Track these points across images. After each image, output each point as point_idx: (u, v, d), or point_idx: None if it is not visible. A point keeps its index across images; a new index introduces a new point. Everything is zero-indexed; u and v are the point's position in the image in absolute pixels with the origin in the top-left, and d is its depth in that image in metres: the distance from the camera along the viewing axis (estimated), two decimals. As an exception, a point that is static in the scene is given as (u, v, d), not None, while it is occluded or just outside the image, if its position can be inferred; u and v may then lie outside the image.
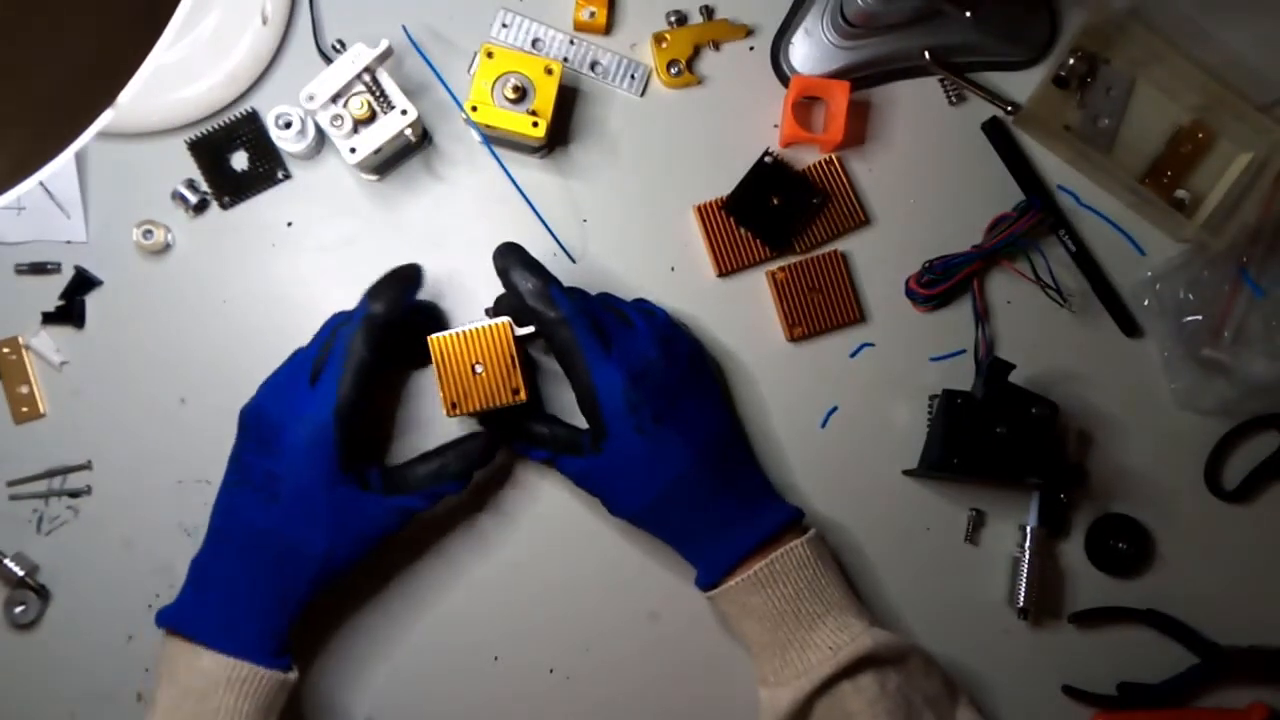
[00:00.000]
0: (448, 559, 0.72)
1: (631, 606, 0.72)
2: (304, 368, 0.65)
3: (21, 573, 0.70)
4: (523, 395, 0.66)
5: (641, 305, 0.70)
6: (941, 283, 0.73)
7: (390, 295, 0.66)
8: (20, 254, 0.72)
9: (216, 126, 0.73)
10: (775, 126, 0.76)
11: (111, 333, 0.72)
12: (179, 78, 0.72)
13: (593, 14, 0.75)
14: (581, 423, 0.67)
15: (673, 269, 0.75)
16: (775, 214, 0.74)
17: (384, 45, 0.68)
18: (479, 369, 0.66)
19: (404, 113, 0.68)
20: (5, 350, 0.71)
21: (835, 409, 0.75)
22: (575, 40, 0.75)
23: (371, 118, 0.68)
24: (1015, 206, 0.75)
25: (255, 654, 0.62)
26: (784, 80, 0.76)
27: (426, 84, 0.74)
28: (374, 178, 0.74)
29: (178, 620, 0.64)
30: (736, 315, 0.75)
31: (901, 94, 0.77)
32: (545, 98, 0.70)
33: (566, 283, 0.73)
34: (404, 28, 0.74)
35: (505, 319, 0.66)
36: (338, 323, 0.67)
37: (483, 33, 0.75)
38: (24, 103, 0.50)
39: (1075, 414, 0.75)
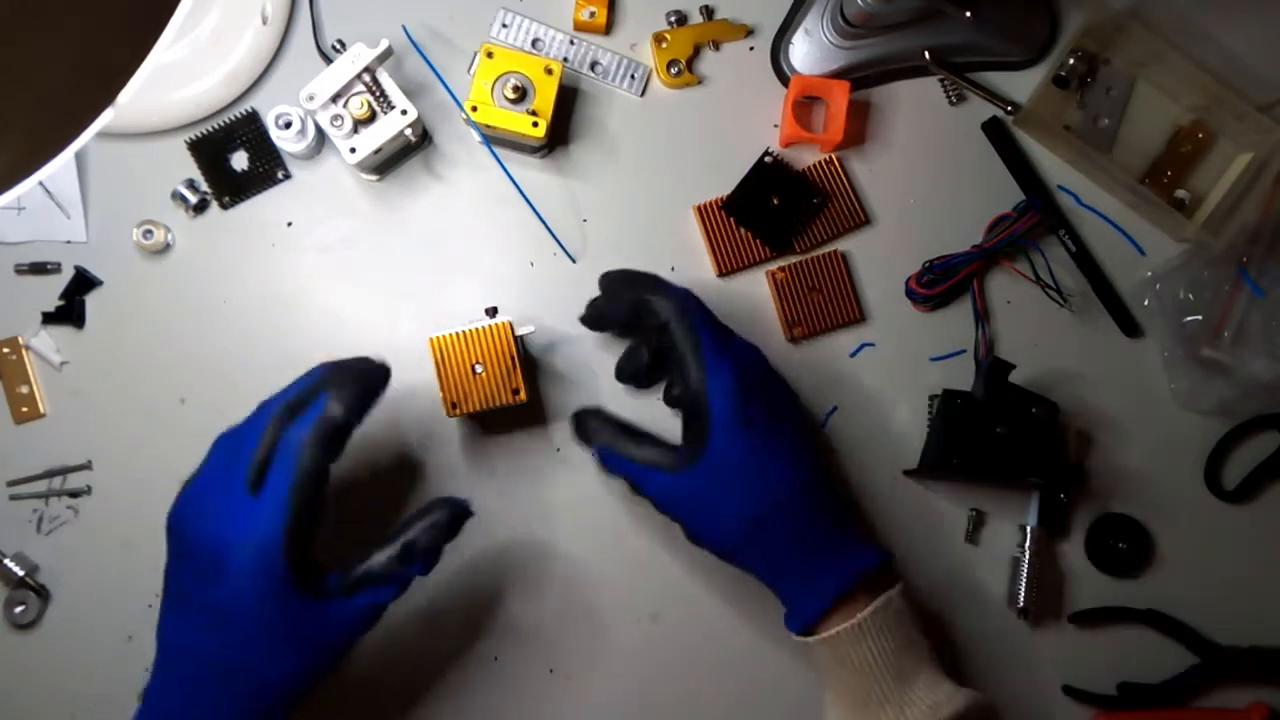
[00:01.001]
0: (447, 559, 0.71)
1: (632, 607, 0.72)
2: (238, 469, 0.56)
3: (21, 573, 0.70)
4: (523, 395, 0.66)
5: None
6: (941, 283, 0.73)
7: (354, 395, 0.57)
8: (20, 254, 0.72)
9: (216, 126, 0.73)
10: (775, 126, 0.76)
11: (111, 333, 0.72)
12: (179, 77, 0.71)
13: (593, 14, 0.74)
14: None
15: (673, 269, 0.75)
16: (775, 214, 0.74)
17: (384, 45, 0.68)
18: (479, 369, 0.66)
19: (404, 113, 0.68)
20: (5, 350, 0.71)
21: (835, 409, 0.75)
22: (575, 40, 0.75)
23: (371, 118, 0.68)
24: (1015, 206, 0.75)
25: None
26: (784, 80, 0.76)
27: (426, 84, 0.74)
28: (374, 178, 0.74)
29: None
30: (736, 315, 0.74)
31: (902, 94, 0.77)
32: (545, 98, 0.70)
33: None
34: (404, 28, 0.74)
35: (506, 319, 0.66)
36: (277, 412, 0.57)
37: (483, 33, 0.75)
38: (24, 103, 0.50)
39: (1075, 414, 0.75)
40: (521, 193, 0.73)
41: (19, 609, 0.70)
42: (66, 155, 0.50)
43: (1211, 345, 0.74)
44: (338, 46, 0.73)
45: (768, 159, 0.73)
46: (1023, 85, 0.77)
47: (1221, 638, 0.74)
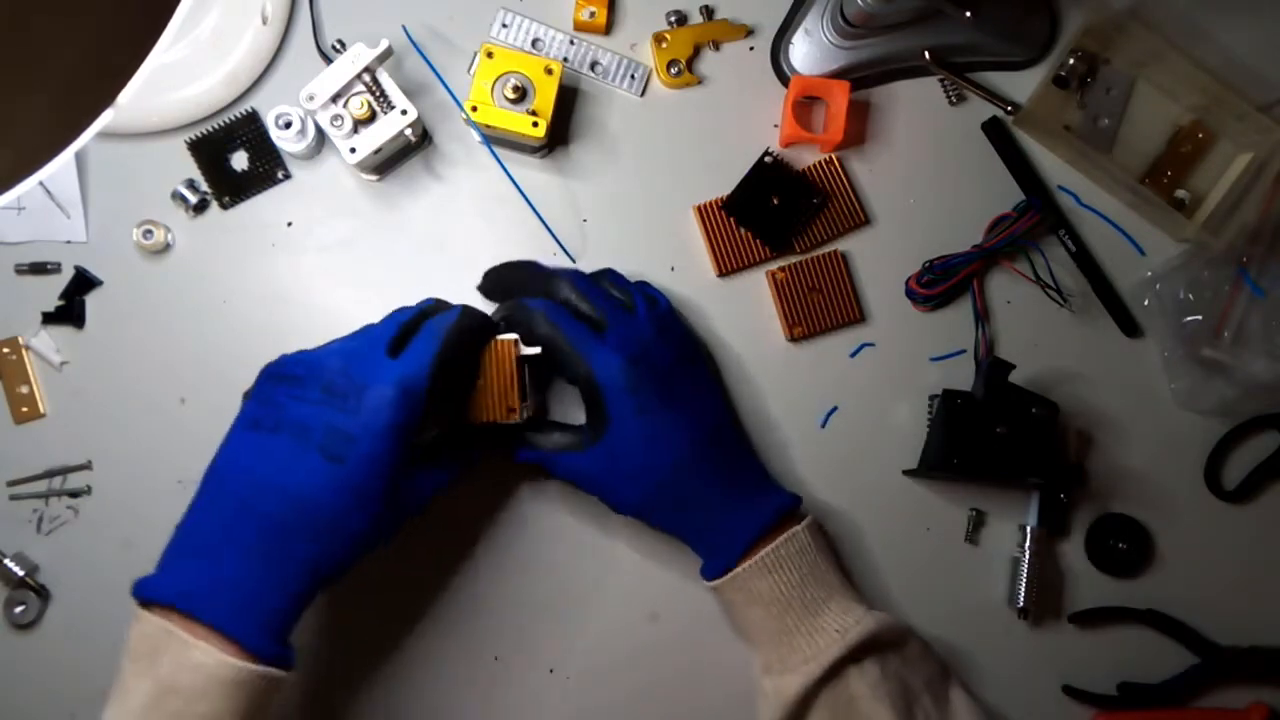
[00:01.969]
0: (448, 559, 0.72)
1: (632, 607, 0.72)
2: (379, 342, 0.61)
3: (21, 573, 0.70)
4: (517, 415, 0.65)
5: (645, 289, 0.70)
6: (941, 283, 0.73)
7: (481, 317, 0.65)
8: (20, 254, 0.72)
9: (216, 126, 0.73)
10: (775, 126, 0.76)
11: (111, 333, 0.72)
12: (179, 77, 0.71)
13: (593, 14, 0.74)
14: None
15: (673, 269, 0.75)
16: (775, 214, 0.74)
17: (384, 45, 0.68)
18: (479, 382, 0.65)
19: (404, 113, 0.68)
20: (5, 350, 0.71)
21: (835, 409, 0.75)
22: (575, 40, 0.75)
23: (371, 118, 0.68)
24: (1015, 206, 0.75)
25: (266, 648, 0.54)
26: (784, 80, 0.76)
27: (426, 84, 0.73)
28: (374, 178, 0.74)
29: (170, 593, 0.54)
30: (736, 315, 0.75)
31: (902, 94, 0.77)
32: (545, 98, 0.70)
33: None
34: (404, 28, 0.74)
35: (513, 335, 0.65)
36: (419, 310, 0.65)
37: (483, 33, 0.75)
38: (24, 102, 0.50)
39: (1075, 414, 0.75)
40: (521, 193, 0.73)
41: (19, 609, 0.70)
42: (67, 155, 0.50)
43: (1211, 345, 0.74)
44: (338, 46, 0.73)
45: (768, 159, 0.73)
46: (1023, 85, 0.77)
47: (1221, 638, 0.74)
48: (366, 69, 0.67)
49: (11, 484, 0.71)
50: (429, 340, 0.61)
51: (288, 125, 0.70)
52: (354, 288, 0.73)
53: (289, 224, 0.74)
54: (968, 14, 0.70)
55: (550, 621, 0.72)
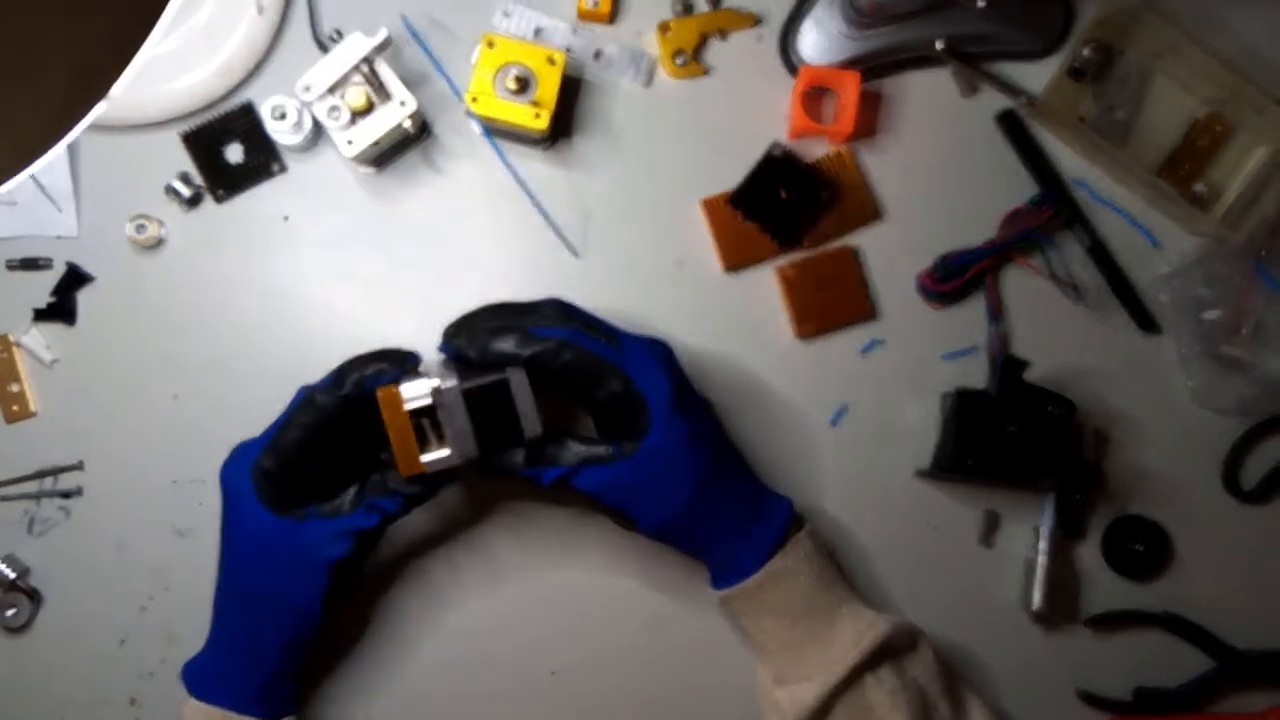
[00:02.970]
0: (449, 563, 0.72)
1: (633, 612, 0.72)
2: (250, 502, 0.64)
3: (13, 575, 0.69)
4: (423, 467, 0.60)
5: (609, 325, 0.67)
6: (954, 278, 0.72)
7: (356, 377, 0.62)
8: (11, 249, 0.72)
9: (211, 118, 0.72)
10: (784, 118, 0.74)
11: (104, 329, 0.72)
12: (173, 69, 0.71)
13: (596, 2, 0.74)
14: None
15: (679, 264, 0.74)
16: (784, 208, 0.73)
17: (382, 35, 0.67)
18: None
19: (403, 104, 0.68)
20: (-5, 348, 0.71)
21: (845, 407, 0.74)
22: (579, 30, 0.74)
23: (369, 109, 0.67)
24: (1029, 200, 0.74)
25: (255, 708, 0.63)
26: (793, 70, 0.75)
27: (426, 74, 0.73)
28: (371, 170, 0.73)
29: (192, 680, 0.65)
30: (744, 311, 0.74)
31: (914, 85, 0.76)
32: (548, 88, 0.69)
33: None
34: (403, 17, 0.73)
35: (406, 383, 0.60)
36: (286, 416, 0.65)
37: (484, 22, 0.74)
38: (15, 95, 0.50)
39: (1091, 413, 0.74)
40: (524, 186, 0.72)
41: (10, 612, 0.69)
42: (59, 148, 0.49)
43: (1230, 342, 0.73)
44: (335, 36, 0.72)
45: (776, 151, 0.72)
46: (1037, 76, 0.76)
47: (1240, 641, 0.73)
48: (364, 59, 0.67)
49: (2, 484, 0.71)
50: (284, 413, 0.63)
51: (283, 117, 0.70)
52: (351, 283, 0.73)
53: (285, 218, 0.73)
54: (981, 3, 0.70)
55: (550, 623, 0.72)
